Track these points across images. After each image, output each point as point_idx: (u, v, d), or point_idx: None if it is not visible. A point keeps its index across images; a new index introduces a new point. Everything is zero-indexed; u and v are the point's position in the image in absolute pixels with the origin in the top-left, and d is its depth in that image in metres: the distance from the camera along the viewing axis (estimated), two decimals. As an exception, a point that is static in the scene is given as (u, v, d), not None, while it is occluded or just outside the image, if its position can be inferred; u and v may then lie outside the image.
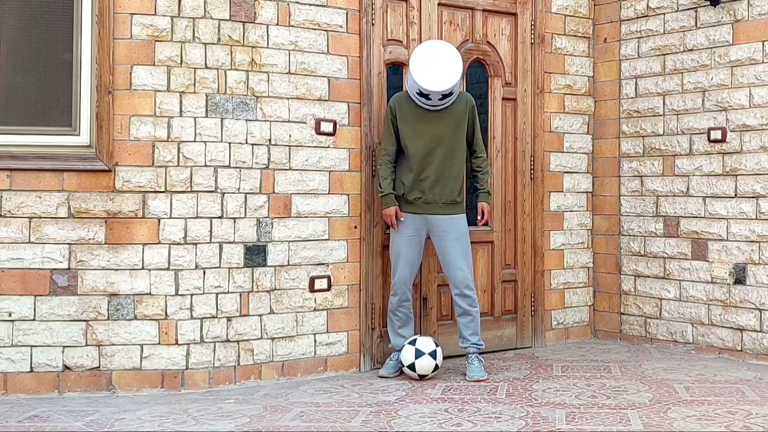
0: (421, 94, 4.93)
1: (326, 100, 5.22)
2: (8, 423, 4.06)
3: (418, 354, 4.98)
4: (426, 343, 5.01)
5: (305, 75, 5.14)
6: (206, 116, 4.84)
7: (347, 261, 5.28)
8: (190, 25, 4.81)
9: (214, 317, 4.83)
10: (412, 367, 4.98)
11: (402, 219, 5.06)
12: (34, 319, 4.63)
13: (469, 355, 5.09)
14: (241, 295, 4.91)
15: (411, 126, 5.04)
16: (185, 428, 3.99)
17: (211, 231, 4.84)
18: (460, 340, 5.14)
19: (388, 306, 5.20)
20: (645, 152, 6.13)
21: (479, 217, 5.24)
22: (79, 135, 4.77)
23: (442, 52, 4.98)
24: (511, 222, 6.00)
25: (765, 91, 5.47)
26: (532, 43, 6.10)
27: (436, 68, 4.90)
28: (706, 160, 5.77)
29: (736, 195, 5.60)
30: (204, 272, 4.81)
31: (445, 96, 4.93)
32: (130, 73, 4.73)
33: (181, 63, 4.79)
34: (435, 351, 5.00)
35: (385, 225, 5.37)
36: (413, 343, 5.01)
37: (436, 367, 5.01)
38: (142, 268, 4.72)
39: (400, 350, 5.08)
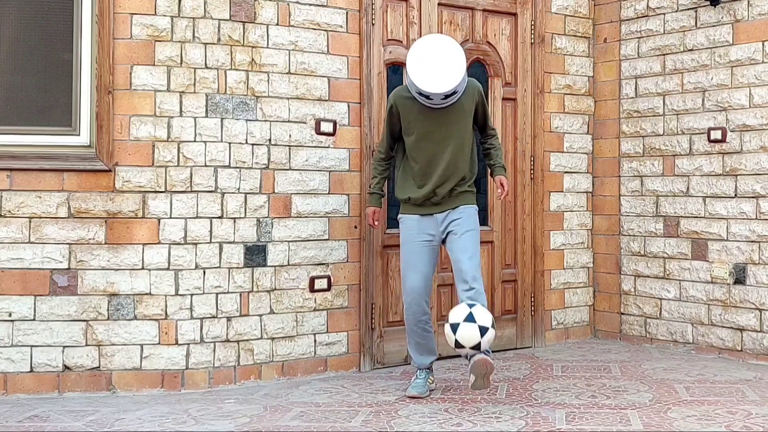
0: (421, 94, 4.45)
1: (326, 100, 5.22)
2: (8, 423, 4.06)
3: (470, 318, 4.26)
4: (483, 316, 4.29)
5: (305, 75, 5.14)
6: (206, 116, 4.84)
7: (347, 261, 5.28)
8: (190, 25, 4.81)
9: (214, 317, 4.83)
10: (454, 327, 4.29)
11: (377, 223, 4.84)
12: (34, 319, 4.63)
13: None
14: (241, 295, 4.91)
15: (416, 128, 4.57)
16: (185, 428, 3.99)
17: (211, 231, 4.84)
18: None
19: (405, 322, 4.72)
20: (645, 152, 6.13)
21: (499, 191, 4.72)
22: (79, 135, 4.77)
23: (441, 48, 4.46)
24: (511, 222, 6.00)
25: (765, 91, 5.47)
26: (532, 43, 6.11)
27: (435, 67, 4.40)
28: (706, 160, 5.77)
29: (736, 195, 5.59)
30: (204, 272, 4.81)
31: (448, 96, 4.45)
32: (130, 73, 4.73)
33: (181, 63, 4.79)
34: (486, 328, 4.25)
35: (387, 224, 5.38)
36: (471, 305, 4.32)
37: (479, 345, 4.26)
38: (142, 268, 4.72)
39: (426, 368, 4.71)
